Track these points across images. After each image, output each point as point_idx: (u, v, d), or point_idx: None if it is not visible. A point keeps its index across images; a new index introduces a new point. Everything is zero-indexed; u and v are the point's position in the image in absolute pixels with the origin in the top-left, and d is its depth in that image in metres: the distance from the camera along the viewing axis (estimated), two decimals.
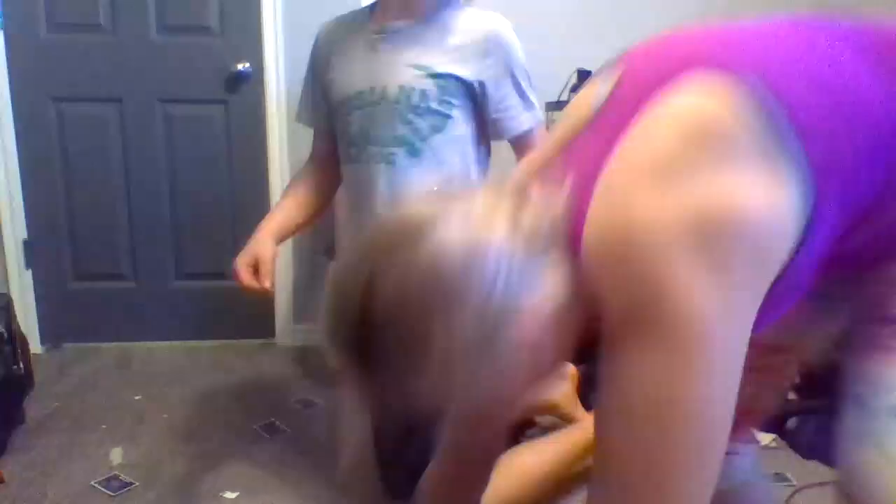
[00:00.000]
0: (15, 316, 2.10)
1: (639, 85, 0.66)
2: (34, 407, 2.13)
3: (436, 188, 1.22)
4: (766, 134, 0.59)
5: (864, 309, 0.76)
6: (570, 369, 1.97)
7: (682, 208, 0.56)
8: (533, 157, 0.84)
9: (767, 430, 1.86)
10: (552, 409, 1.60)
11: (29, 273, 2.63)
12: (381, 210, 1.47)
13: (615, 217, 0.58)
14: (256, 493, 1.76)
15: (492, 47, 1.44)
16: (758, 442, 1.00)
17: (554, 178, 0.66)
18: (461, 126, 1.46)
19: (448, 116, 1.44)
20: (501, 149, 1.56)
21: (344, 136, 1.53)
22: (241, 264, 1.49)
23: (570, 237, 0.61)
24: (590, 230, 0.60)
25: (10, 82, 2.47)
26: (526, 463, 1.16)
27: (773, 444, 1.88)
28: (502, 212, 0.61)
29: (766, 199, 0.57)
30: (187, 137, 2.62)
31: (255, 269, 1.49)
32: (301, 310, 2.76)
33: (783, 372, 0.91)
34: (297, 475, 1.83)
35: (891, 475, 0.70)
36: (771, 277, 0.60)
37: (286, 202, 1.63)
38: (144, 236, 2.67)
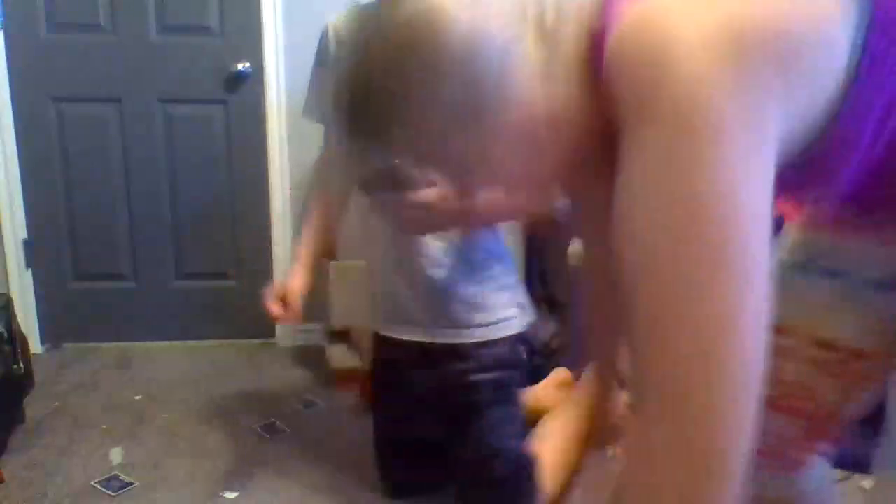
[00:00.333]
0: (15, 316, 2.10)
1: None
2: (34, 407, 2.12)
3: None
4: None
5: None
6: (565, 375, 1.97)
7: (721, 15, 0.53)
8: None
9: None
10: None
11: (29, 273, 2.63)
12: None
13: (649, 19, 0.55)
14: (256, 493, 1.76)
15: None
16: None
17: None
18: None
19: None
20: None
21: None
22: (271, 297, 1.62)
23: (594, 41, 0.59)
24: (619, 35, 0.56)
25: (10, 82, 2.47)
26: (557, 427, 1.14)
27: None
28: (531, 6, 0.60)
29: (808, 9, 0.56)
30: (187, 137, 2.62)
31: (284, 301, 1.61)
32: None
33: (867, 379, 0.89)
34: (297, 475, 1.83)
35: None
36: (807, 91, 0.57)
37: (318, 222, 1.71)
38: (144, 236, 2.67)
